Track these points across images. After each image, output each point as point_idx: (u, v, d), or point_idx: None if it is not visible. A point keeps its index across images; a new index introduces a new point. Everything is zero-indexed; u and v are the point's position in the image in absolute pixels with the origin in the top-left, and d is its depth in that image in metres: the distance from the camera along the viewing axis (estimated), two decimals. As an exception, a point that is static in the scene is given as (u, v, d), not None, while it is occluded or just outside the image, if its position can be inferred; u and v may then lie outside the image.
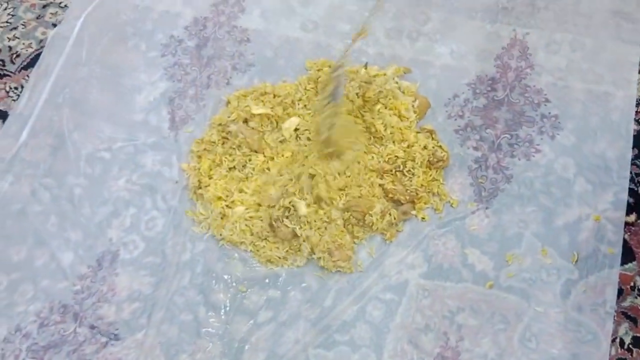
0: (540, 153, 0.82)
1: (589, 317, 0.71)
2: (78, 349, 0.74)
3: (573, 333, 0.70)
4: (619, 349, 0.69)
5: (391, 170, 0.80)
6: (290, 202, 0.75)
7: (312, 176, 0.77)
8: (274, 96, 0.85)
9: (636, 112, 0.84)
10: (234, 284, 0.76)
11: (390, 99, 0.85)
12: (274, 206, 0.77)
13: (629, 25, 0.90)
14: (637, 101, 0.84)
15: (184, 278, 0.77)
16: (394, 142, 0.82)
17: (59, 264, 0.79)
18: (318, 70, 0.88)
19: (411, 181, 0.80)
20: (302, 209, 0.74)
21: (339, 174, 0.78)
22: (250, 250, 0.78)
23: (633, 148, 0.81)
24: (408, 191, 0.79)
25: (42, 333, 0.75)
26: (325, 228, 0.77)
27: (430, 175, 0.81)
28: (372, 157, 0.80)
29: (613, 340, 0.69)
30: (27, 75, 0.94)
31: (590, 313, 0.71)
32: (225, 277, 0.77)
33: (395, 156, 0.80)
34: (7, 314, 0.76)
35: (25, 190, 0.84)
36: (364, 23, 0.79)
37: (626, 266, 0.73)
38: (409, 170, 0.80)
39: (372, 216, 0.77)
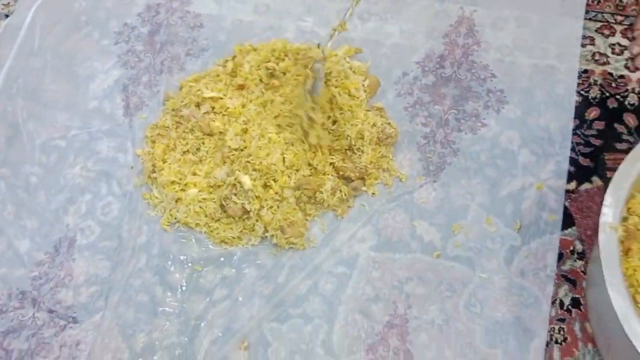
0: (486, 127, 0.85)
1: (531, 281, 0.74)
2: (37, 333, 0.75)
3: (516, 297, 0.73)
4: (559, 310, 0.72)
5: (341, 148, 0.82)
6: (235, 179, 0.76)
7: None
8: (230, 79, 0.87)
9: (578, 84, 0.87)
10: (189, 264, 0.78)
11: (341, 79, 0.86)
12: (221, 186, 0.78)
13: (572, 0, 0.93)
14: (579, 74, 0.87)
15: (140, 261, 0.79)
16: (344, 120, 0.84)
17: (16, 251, 0.80)
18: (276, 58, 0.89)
19: (360, 158, 0.82)
20: (247, 182, 0.76)
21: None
22: (205, 232, 0.79)
23: (575, 119, 0.84)
24: (358, 168, 0.81)
25: (1, 319, 0.76)
26: (278, 206, 0.78)
27: (380, 152, 0.83)
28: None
29: (553, 302, 0.72)
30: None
31: (532, 277, 0.74)
32: (181, 258, 0.78)
33: (346, 134, 0.82)
34: (-34, 303, 0.78)
35: (-21, 181, 0.85)
36: (343, 18, 0.81)
37: (566, 231, 0.76)
38: (359, 148, 0.82)
39: (322, 193, 0.79)
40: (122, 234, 0.81)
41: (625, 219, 0.69)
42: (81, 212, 0.83)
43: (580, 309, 0.72)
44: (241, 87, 0.86)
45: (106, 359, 0.73)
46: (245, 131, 0.82)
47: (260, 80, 0.87)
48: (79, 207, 0.83)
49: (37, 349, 0.74)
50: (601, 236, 0.60)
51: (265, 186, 0.79)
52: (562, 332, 0.71)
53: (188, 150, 0.83)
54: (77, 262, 0.79)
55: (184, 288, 0.77)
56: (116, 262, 0.79)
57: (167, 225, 0.80)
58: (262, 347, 0.73)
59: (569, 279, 0.74)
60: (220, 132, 0.83)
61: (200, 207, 0.79)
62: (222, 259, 0.78)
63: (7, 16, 0.99)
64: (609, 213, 0.61)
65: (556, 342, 0.71)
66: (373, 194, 0.81)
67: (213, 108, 0.84)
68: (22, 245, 0.81)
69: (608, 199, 0.61)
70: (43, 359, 0.73)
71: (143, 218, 0.82)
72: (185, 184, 0.80)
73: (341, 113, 0.83)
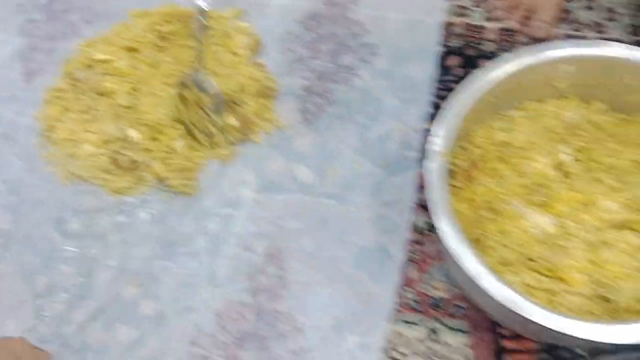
0: (359, 77, 0.93)
1: (393, 211, 0.83)
2: (-56, 283, 0.81)
3: (379, 225, 0.82)
4: (416, 235, 0.81)
5: (231, 99, 0.89)
6: (123, 133, 0.83)
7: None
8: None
9: (442, 35, 0.95)
10: (86, 214, 0.85)
11: (223, 38, 0.93)
12: (112, 141, 0.85)
13: (437, -41, 1.01)
14: (443, 26, 0.96)
15: (40, 213, 0.85)
16: (225, 76, 0.90)
17: None
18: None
19: (243, 109, 0.89)
20: (135, 136, 0.83)
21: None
22: (99, 184, 0.86)
23: (438, 67, 0.92)
24: (242, 118, 0.89)
25: None
26: (167, 157, 0.86)
27: (262, 103, 0.91)
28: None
29: (412, 228, 0.82)
30: None
31: (394, 207, 0.83)
32: (79, 208, 0.85)
33: (230, 89, 0.89)
34: None
35: None
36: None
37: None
38: (242, 100, 0.89)
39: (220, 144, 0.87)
40: (23, 190, 0.87)
41: (464, 149, 0.79)
42: (-16, 172, 0.89)
43: (432, 232, 0.82)
44: (131, 50, 0.92)
45: (10, 301, 0.80)
46: (135, 90, 0.89)
47: (153, 43, 0.93)
48: (-18, 167, 0.89)
49: (-55, 297, 0.81)
50: (430, 164, 0.68)
51: (155, 139, 0.86)
52: (417, 253, 0.81)
53: (82, 110, 0.89)
54: (-19, 218, 0.86)
55: (81, 235, 0.84)
56: (18, 215, 0.85)
57: (65, 180, 0.87)
58: (153, 283, 0.81)
59: (425, 207, 0.83)
60: (112, 92, 0.89)
61: (93, 161, 0.86)
62: (116, 207, 0.86)
63: None
64: (438, 142, 0.69)
65: (412, 261, 0.80)
66: (256, 142, 0.89)
67: (105, 69, 0.90)
68: None
69: (436, 129, 0.70)
70: (-50, 305, 0.80)
71: (43, 174, 0.88)
72: (79, 141, 0.87)
73: (224, 69, 0.90)
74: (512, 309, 0.63)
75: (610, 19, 0.94)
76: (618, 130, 0.77)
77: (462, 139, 0.79)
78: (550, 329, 0.62)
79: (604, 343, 0.61)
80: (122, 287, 0.81)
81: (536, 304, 0.63)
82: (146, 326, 0.79)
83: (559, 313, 0.63)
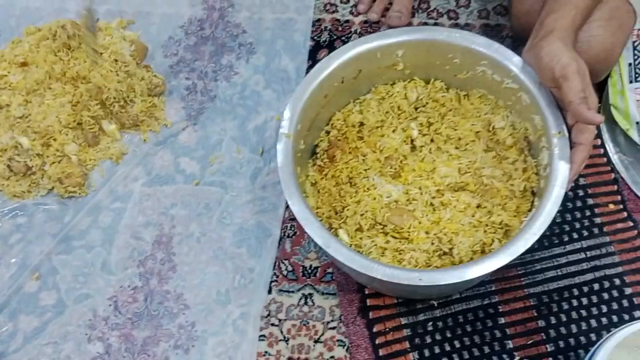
0: (238, 74, 1.01)
1: (270, 192, 0.91)
2: None
3: (258, 206, 0.91)
4: (291, 212, 0.90)
5: (114, 101, 0.96)
6: (15, 141, 0.90)
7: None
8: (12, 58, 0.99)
9: (312, 31, 1.04)
10: (-13, 218, 0.92)
11: (112, 46, 1.00)
12: (5, 149, 0.92)
13: (308, -39, 1.10)
14: (313, 23, 1.05)
15: (-58, 221, 0.92)
16: (118, 81, 0.97)
17: None
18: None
19: (132, 108, 0.97)
20: (25, 143, 0.90)
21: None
22: (-1, 189, 0.93)
23: (308, 60, 1.01)
24: (131, 117, 0.96)
25: None
26: (59, 162, 0.93)
27: (151, 102, 0.98)
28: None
29: (287, 207, 0.90)
30: None
31: (271, 190, 0.91)
32: (-20, 213, 0.92)
33: (119, 90, 0.96)
34: None
35: None
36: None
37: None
38: (131, 100, 0.97)
39: (99, 144, 0.94)
40: None
41: (327, 132, 0.88)
42: None
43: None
44: (23, 64, 0.99)
45: None
46: (27, 101, 0.96)
47: (42, 57, 1.00)
48: None
49: None
50: (279, 146, 0.77)
51: (47, 145, 0.93)
52: (292, 229, 0.89)
53: (-21, 123, 0.96)
54: None
55: (-17, 238, 0.91)
56: None
57: (-35, 188, 0.94)
58: (52, 275, 0.88)
59: (297, 186, 0.92)
60: (7, 105, 0.96)
61: (-10, 169, 0.93)
62: (16, 211, 0.92)
63: None
64: (285, 125, 0.78)
65: (287, 237, 0.89)
66: (145, 140, 0.97)
67: (0, 84, 0.97)
68: None
69: (286, 113, 0.78)
70: None
71: (-55, 185, 0.94)
72: (-23, 151, 0.93)
73: (113, 75, 0.97)
74: (357, 269, 0.71)
75: (462, 6, 1.04)
76: (456, 105, 0.87)
77: (324, 123, 0.88)
78: (391, 282, 0.71)
79: (435, 286, 0.70)
80: (23, 281, 0.87)
81: (377, 262, 0.72)
82: (47, 315, 0.86)
83: (397, 267, 0.72)
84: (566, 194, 0.71)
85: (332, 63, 0.81)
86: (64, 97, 0.94)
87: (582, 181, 0.89)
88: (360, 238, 0.80)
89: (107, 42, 1.00)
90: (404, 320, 0.82)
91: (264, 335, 0.83)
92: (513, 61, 0.77)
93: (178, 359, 0.82)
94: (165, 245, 0.89)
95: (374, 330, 0.82)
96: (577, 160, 0.69)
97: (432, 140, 0.86)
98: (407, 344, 0.81)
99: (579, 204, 0.87)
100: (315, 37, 1.03)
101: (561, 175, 0.70)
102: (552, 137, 0.72)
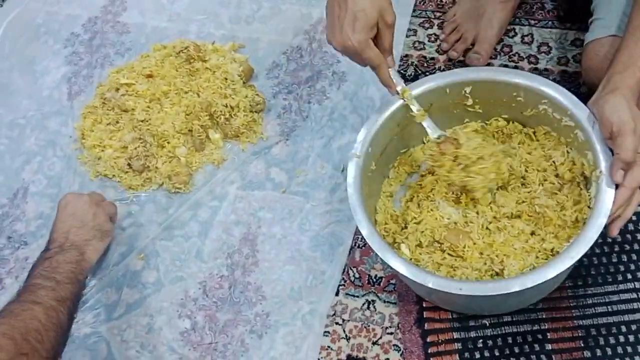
0: (329, 99, 1.13)
1: (346, 206, 1.00)
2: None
3: (334, 217, 1.01)
4: (361, 225, 1.00)
5: (220, 114, 1.10)
6: (138, 144, 1.07)
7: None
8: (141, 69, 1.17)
9: (399, 65, 1.14)
10: (107, 203, 1.08)
11: (224, 66, 1.15)
12: (126, 147, 1.08)
13: (401, 2, 1.20)
14: (401, 58, 1.15)
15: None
16: (225, 97, 1.12)
17: (-14, 198, 1.11)
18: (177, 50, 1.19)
19: (235, 121, 1.11)
20: (147, 142, 1.06)
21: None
22: (118, 181, 1.09)
23: (393, 90, 1.12)
24: (233, 128, 1.10)
25: (-25, 244, 1.07)
26: (170, 162, 1.08)
27: (252, 117, 1.12)
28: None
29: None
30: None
31: (347, 204, 1.00)
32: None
33: (226, 105, 1.11)
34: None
35: (-37, 150, 1.16)
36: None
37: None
38: (235, 114, 1.11)
39: (204, 150, 1.09)
40: (61, 184, 1.11)
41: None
42: (34, 169, 1.13)
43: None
44: (149, 76, 1.16)
45: (46, 268, 1.03)
46: (149, 107, 1.12)
47: (167, 70, 1.17)
48: (32, 166, 1.14)
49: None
50: (349, 164, 0.87)
51: (161, 146, 1.09)
52: (362, 240, 0.99)
53: (109, 123, 1.13)
54: (29, 204, 1.10)
55: (103, 219, 1.07)
56: (56, 203, 1.09)
57: (93, 177, 1.11)
58: (154, 257, 1.03)
59: (371, 203, 1.02)
60: (132, 109, 1.13)
61: (114, 162, 1.09)
62: (131, 199, 1.08)
63: (-15, 30, 1.31)
64: (357, 147, 0.88)
65: (358, 247, 0.99)
66: (243, 150, 1.11)
67: (127, 91, 1.14)
68: (-10, 193, 1.12)
69: (359, 136, 0.89)
70: (2, 269, 1.04)
71: (77, 172, 1.12)
72: (104, 147, 1.10)
73: (222, 90, 1.12)
74: (411, 277, 0.80)
75: (543, 52, 1.11)
76: (525, 140, 0.94)
77: (400, 149, 0.98)
78: (435, 290, 0.79)
79: (473, 297, 0.77)
80: (130, 260, 1.03)
81: (430, 273, 0.81)
82: (147, 290, 1.00)
83: (443, 277, 0.80)
84: (625, 236, 0.76)
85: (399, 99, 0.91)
86: (180, 107, 1.10)
87: (642, 226, 0.93)
88: (420, 253, 0.89)
89: (219, 62, 1.15)
90: (456, 335, 0.90)
91: (328, 332, 0.93)
92: (570, 100, 0.84)
93: (252, 342, 0.94)
94: (251, 242, 1.02)
95: (428, 340, 0.90)
96: (618, 200, 0.75)
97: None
98: (457, 357, 0.89)
99: (636, 247, 0.91)
100: (401, 71, 1.13)
101: (604, 208, 0.76)
102: (599, 173, 0.78)
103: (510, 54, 1.12)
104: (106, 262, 1.03)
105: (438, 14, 1.19)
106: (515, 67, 1.11)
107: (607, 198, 0.77)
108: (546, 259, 0.84)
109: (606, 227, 0.77)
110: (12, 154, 1.16)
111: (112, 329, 0.97)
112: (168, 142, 1.09)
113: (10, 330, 0.66)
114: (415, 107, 0.90)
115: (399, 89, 0.88)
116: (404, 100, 0.89)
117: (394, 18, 0.84)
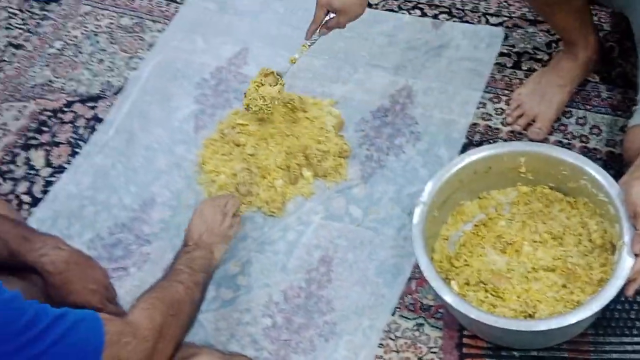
0: (405, 153, 1.35)
1: (409, 244, 1.21)
2: (127, 247, 1.32)
3: (398, 252, 1.22)
4: (420, 261, 1.19)
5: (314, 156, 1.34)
6: (245, 173, 1.32)
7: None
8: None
9: (467, 132, 1.34)
10: (216, 218, 1.34)
11: (321, 118, 1.40)
12: (236, 174, 1.34)
13: (476, 79, 1.41)
14: (469, 125, 1.35)
15: (189, 213, 1.34)
16: (319, 142, 1.36)
17: (122, 202, 1.38)
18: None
19: (325, 163, 1.34)
20: (252, 173, 1.31)
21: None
22: (227, 201, 1.35)
23: (459, 153, 1.31)
24: (323, 169, 1.34)
25: (112, 236, 1.33)
26: (269, 190, 1.33)
27: (338, 162, 1.35)
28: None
29: (418, 256, 1.20)
30: (116, 98, 1.57)
31: (410, 242, 1.20)
32: (212, 214, 1.34)
33: (318, 149, 1.35)
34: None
35: (107, 163, 1.45)
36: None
37: (435, 217, 1.24)
38: (326, 157, 1.35)
39: (297, 184, 1.33)
40: (181, 198, 1.38)
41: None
42: (161, 184, 1.41)
43: (434, 262, 1.19)
44: (261, 119, 1.42)
45: (166, 260, 1.29)
46: (257, 145, 1.38)
47: (276, 116, 1.43)
48: (160, 182, 1.42)
49: (126, 254, 1.31)
50: (416, 209, 1.07)
51: (263, 177, 1.34)
52: (420, 273, 1.18)
53: (224, 154, 1.39)
54: (154, 211, 1.37)
55: (211, 230, 1.32)
56: (174, 212, 1.35)
57: (207, 196, 1.36)
58: (248, 266, 1.26)
59: (430, 243, 1.21)
60: (244, 145, 1.39)
61: (225, 187, 1.35)
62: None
63: (134, 69, 1.63)
64: (424, 195, 1.08)
65: (415, 278, 1.18)
66: (329, 188, 1.33)
67: (241, 130, 1.41)
68: (126, 199, 1.40)
69: (427, 186, 1.09)
70: (128, 260, 1.30)
71: (194, 191, 1.39)
72: (219, 172, 1.37)
73: (318, 137, 1.37)
74: (458, 308, 0.99)
75: (594, 133, 1.28)
76: (567, 207, 1.11)
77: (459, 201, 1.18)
78: (481, 323, 0.97)
79: (502, 329, 0.95)
80: (228, 265, 1.27)
81: (473, 306, 0.99)
82: (239, 291, 1.24)
83: (482, 311, 0.98)
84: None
85: (467, 158, 1.11)
86: (282, 147, 1.36)
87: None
88: (467, 290, 1.08)
89: (317, 114, 1.41)
90: (488, 361, 1.07)
91: (382, 344, 1.13)
92: (606, 179, 1.02)
93: (320, 344, 1.15)
94: (327, 263, 1.24)
95: (464, 362, 1.08)
96: (635, 267, 0.90)
97: (537, 230, 1.11)
98: (487, 380, 1.06)
99: (654, 307, 1.06)
100: (469, 136, 1.34)
101: (623, 272, 0.92)
102: (622, 243, 0.94)
103: (565, 132, 1.30)
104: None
105: (506, 92, 1.39)
106: (568, 144, 1.29)
107: (626, 264, 0.94)
108: (572, 309, 1.00)
109: (624, 288, 0.93)
110: (145, 171, 1.44)
111: (209, 318, 1.21)
112: (269, 174, 1.34)
113: (162, 297, 0.91)
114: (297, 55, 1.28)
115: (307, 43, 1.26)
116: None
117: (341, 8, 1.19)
